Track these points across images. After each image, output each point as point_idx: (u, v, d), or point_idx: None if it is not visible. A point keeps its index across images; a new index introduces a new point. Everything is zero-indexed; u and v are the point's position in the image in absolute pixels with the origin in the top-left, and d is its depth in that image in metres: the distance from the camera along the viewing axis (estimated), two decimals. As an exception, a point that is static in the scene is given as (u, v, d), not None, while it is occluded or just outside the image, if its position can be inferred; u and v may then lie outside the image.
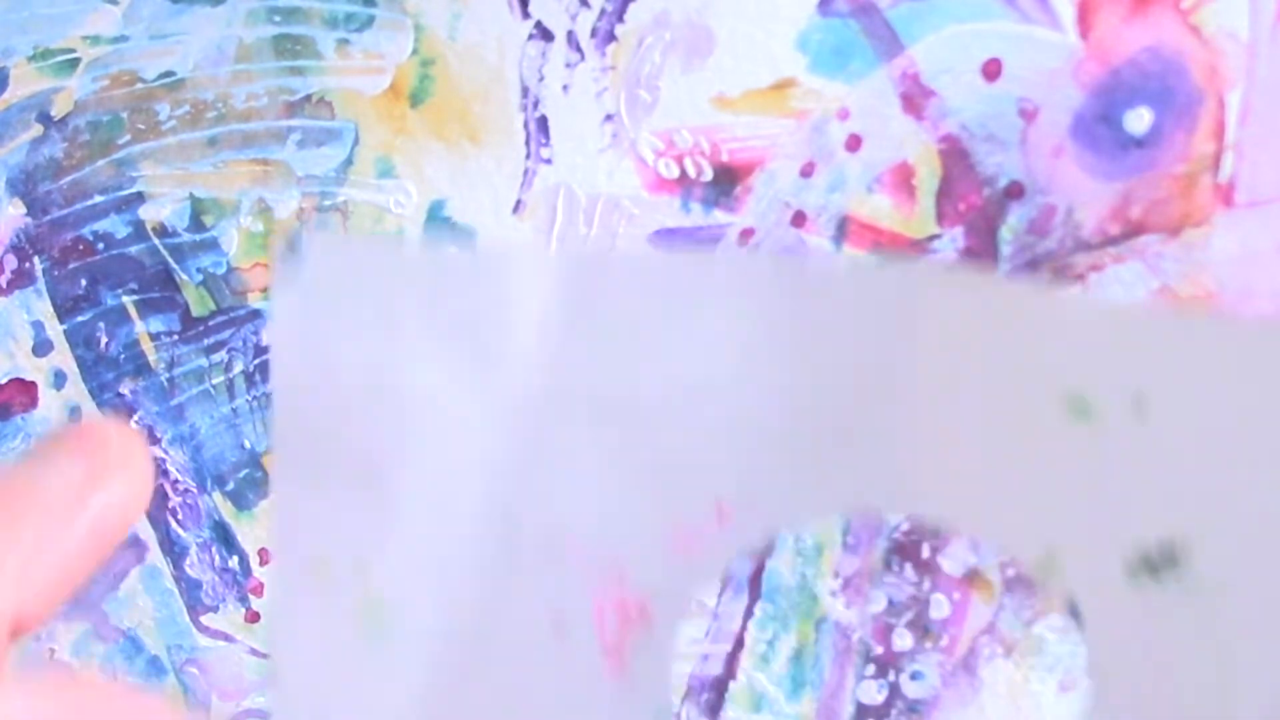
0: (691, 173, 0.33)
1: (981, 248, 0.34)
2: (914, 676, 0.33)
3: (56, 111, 0.33)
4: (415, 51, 0.32)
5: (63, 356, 0.34)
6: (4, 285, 0.33)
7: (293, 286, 0.28)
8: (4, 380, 0.34)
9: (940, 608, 0.33)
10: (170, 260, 0.33)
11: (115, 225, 0.33)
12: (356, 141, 0.33)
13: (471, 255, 0.29)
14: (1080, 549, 0.30)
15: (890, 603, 0.33)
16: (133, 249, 0.33)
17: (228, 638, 0.34)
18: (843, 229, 0.34)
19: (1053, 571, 0.30)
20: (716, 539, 0.30)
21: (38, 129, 0.33)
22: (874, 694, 0.34)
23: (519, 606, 0.29)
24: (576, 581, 0.30)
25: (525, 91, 0.33)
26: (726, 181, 0.33)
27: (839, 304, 0.29)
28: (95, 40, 0.33)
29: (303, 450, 0.28)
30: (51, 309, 0.33)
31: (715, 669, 0.35)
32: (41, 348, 0.33)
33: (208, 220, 0.33)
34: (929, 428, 0.30)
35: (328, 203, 0.33)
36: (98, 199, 0.33)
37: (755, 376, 0.29)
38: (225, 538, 0.34)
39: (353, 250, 0.28)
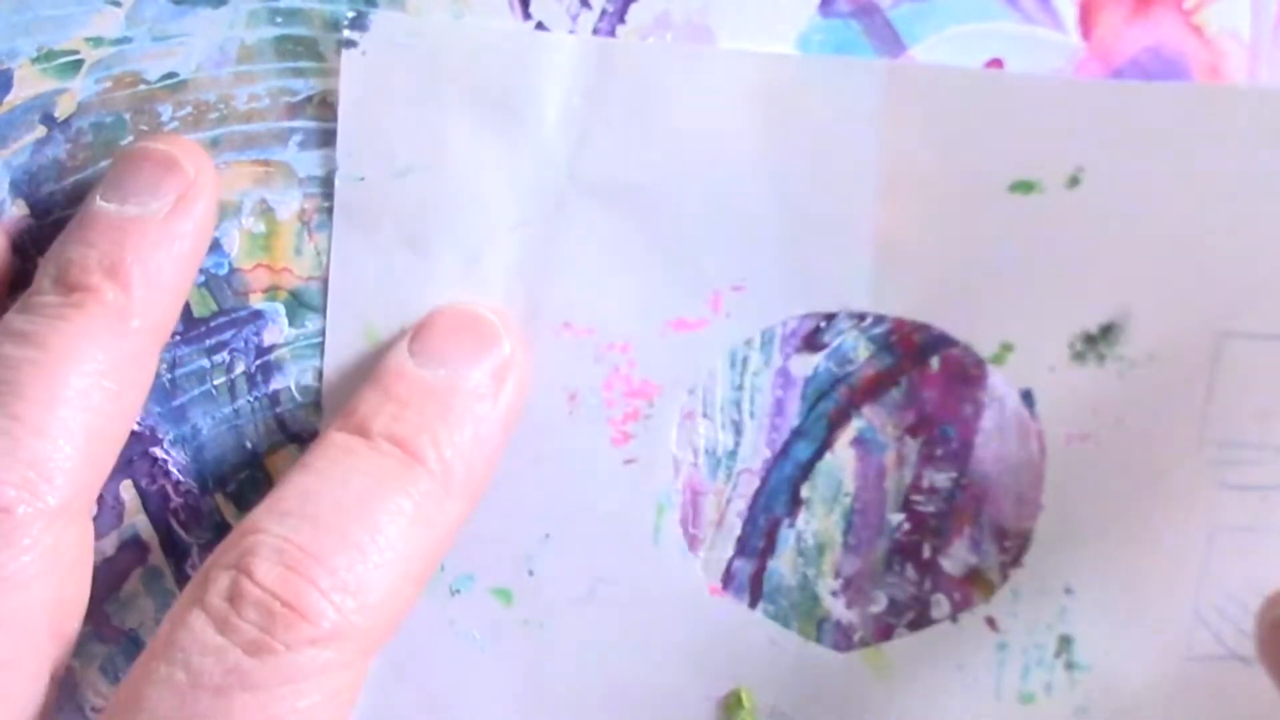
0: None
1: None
2: (915, 676, 0.33)
3: (60, 113, 0.33)
4: (414, 63, 0.33)
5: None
6: (8, 286, 0.33)
7: (359, 59, 0.31)
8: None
9: (941, 607, 0.33)
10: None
11: (117, 226, 0.33)
12: (357, 142, 0.33)
13: (510, 34, 0.31)
14: (1030, 337, 0.31)
15: (891, 602, 0.33)
16: (135, 249, 0.33)
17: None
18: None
19: (1006, 361, 0.31)
20: (712, 325, 0.32)
21: (41, 130, 0.33)
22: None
23: (536, 380, 0.31)
24: (589, 359, 0.31)
25: (528, 90, 0.33)
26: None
27: (818, 101, 0.31)
28: (98, 42, 0.33)
29: (359, 215, 0.32)
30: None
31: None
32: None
33: None
34: (898, 221, 0.32)
35: (329, 203, 0.33)
36: (101, 200, 0.33)
37: (749, 169, 0.31)
38: (227, 539, 0.34)
39: (412, 28, 0.31)
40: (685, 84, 0.32)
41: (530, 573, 0.33)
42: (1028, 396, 0.33)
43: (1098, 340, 0.33)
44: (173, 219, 0.31)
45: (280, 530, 0.28)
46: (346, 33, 0.32)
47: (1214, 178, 0.32)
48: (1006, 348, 0.33)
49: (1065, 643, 0.33)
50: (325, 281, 0.33)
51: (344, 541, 0.28)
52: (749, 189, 0.32)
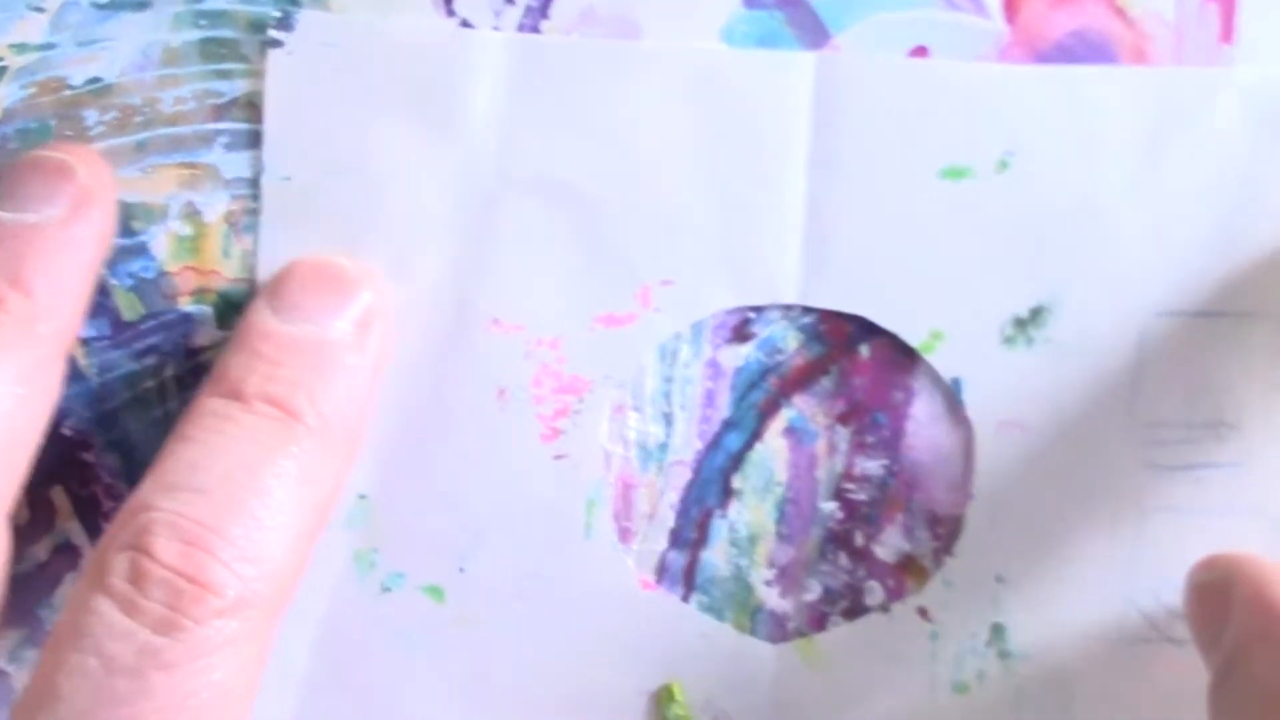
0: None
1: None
2: (849, 664, 0.33)
3: (-15, 120, 0.33)
4: (338, 62, 0.33)
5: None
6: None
7: (285, 59, 0.31)
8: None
9: (874, 594, 0.33)
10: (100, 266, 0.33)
11: (44, 231, 0.33)
12: (285, 144, 0.33)
13: (435, 33, 0.31)
14: (961, 324, 0.32)
15: (825, 591, 0.33)
16: (62, 255, 0.33)
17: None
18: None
19: (936, 350, 0.31)
20: (641, 320, 0.32)
21: (-34, 138, 0.33)
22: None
23: (466, 377, 0.31)
24: (518, 355, 0.31)
25: (450, 88, 0.33)
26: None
27: (747, 95, 0.31)
28: (22, 48, 0.33)
29: (288, 213, 0.31)
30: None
31: (653, 662, 0.35)
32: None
33: (136, 225, 0.33)
34: (828, 212, 0.32)
35: (256, 205, 0.33)
36: (27, 206, 0.33)
37: (678, 164, 0.31)
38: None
39: (338, 27, 0.31)
40: (613, 80, 0.32)
41: (461, 570, 0.33)
42: (957, 384, 0.33)
43: (1028, 324, 0.33)
44: (70, 225, 0.31)
45: (172, 505, 0.28)
46: (272, 33, 0.33)
47: (1140, 158, 0.32)
48: (936, 335, 0.33)
49: (998, 631, 0.33)
50: (254, 284, 0.33)
51: (237, 510, 0.29)
52: (678, 184, 0.33)
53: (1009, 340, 0.33)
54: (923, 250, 0.32)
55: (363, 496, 0.33)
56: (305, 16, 0.32)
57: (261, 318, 0.31)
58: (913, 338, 0.33)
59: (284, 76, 0.33)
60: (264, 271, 0.33)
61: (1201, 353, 0.32)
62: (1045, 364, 0.33)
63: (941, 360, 0.33)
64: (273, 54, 0.33)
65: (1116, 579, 0.33)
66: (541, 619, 0.33)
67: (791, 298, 0.33)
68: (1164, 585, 0.33)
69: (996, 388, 0.33)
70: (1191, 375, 0.32)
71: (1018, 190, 0.32)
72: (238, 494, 0.29)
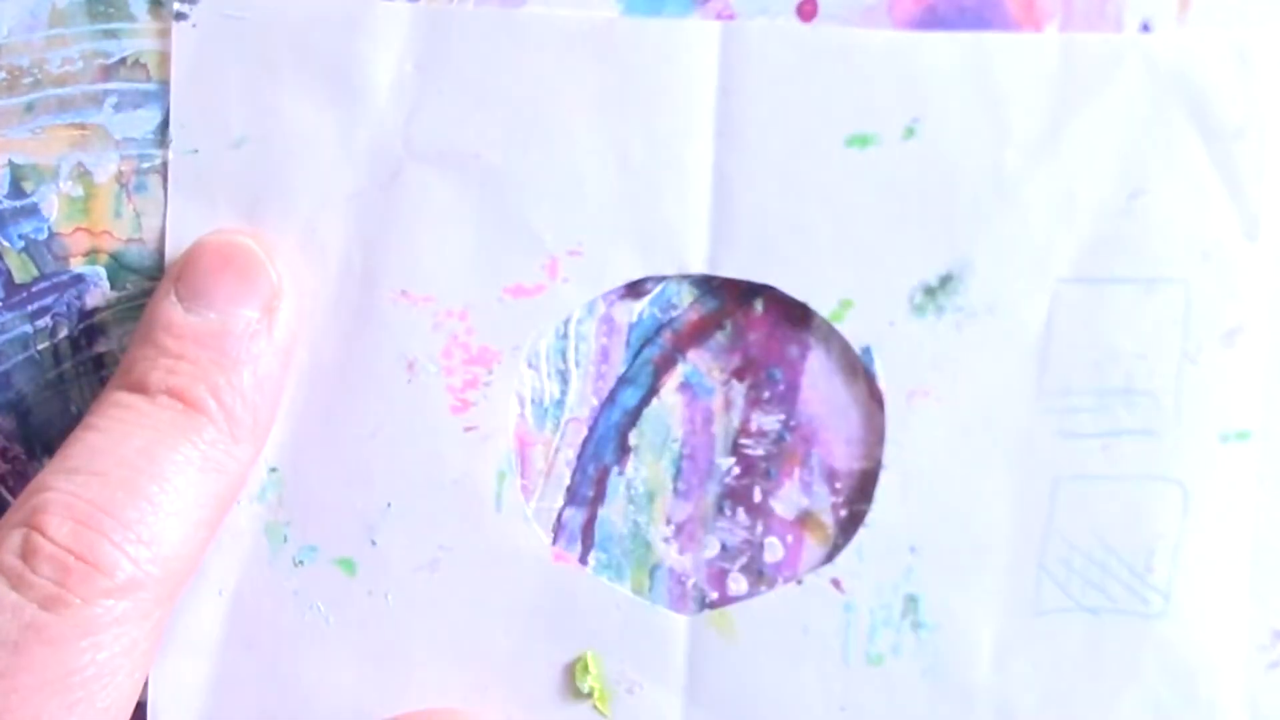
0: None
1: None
2: (751, 621, 0.33)
3: None
4: (227, 17, 0.33)
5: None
6: None
7: (190, 31, 0.32)
8: None
9: (774, 551, 0.33)
10: (-10, 228, 0.33)
11: (-66, 195, 0.33)
12: (173, 103, 0.33)
13: (340, 3, 0.31)
14: (870, 292, 0.31)
15: (724, 547, 0.33)
16: (-48, 218, 0.33)
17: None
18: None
19: (845, 319, 0.31)
20: (549, 291, 0.32)
21: None
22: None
23: (374, 349, 0.31)
24: (426, 327, 0.31)
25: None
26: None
27: (652, 64, 0.31)
28: (-92, 12, 0.33)
29: (194, 188, 0.32)
30: (-127, 281, 0.33)
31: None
32: None
33: (27, 186, 0.33)
34: (735, 181, 0.32)
35: (147, 165, 0.33)
36: (-85, 169, 0.33)
37: (583, 134, 0.31)
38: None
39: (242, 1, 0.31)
40: (517, 51, 0.32)
41: (373, 543, 0.33)
42: (868, 353, 0.33)
43: (937, 292, 0.32)
44: None
45: (69, 487, 0.29)
46: (177, 5, 0.32)
47: (1045, 124, 0.32)
48: (846, 304, 0.33)
49: (911, 602, 0.33)
50: (144, 243, 0.33)
51: (133, 494, 0.29)
52: (584, 154, 0.32)
53: (919, 308, 0.32)
54: (831, 219, 0.32)
55: (273, 469, 0.33)
56: (207, -8, 0.32)
57: (166, 307, 0.31)
58: (822, 306, 0.33)
59: (189, 48, 0.33)
60: (172, 246, 0.33)
61: (1110, 319, 0.32)
62: (955, 332, 0.32)
63: (851, 329, 0.33)
64: (178, 26, 0.33)
65: (1029, 549, 0.33)
66: (454, 591, 0.33)
67: (699, 267, 0.33)
68: (1076, 554, 0.33)
69: (907, 356, 0.33)
70: (1101, 342, 0.32)
71: (924, 158, 0.32)
72: (135, 479, 0.29)
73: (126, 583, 0.28)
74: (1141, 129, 0.32)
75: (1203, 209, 0.32)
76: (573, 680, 0.33)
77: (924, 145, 0.32)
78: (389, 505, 0.33)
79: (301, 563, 0.33)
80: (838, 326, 0.33)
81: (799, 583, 0.33)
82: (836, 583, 0.33)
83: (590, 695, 0.33)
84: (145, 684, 0.32)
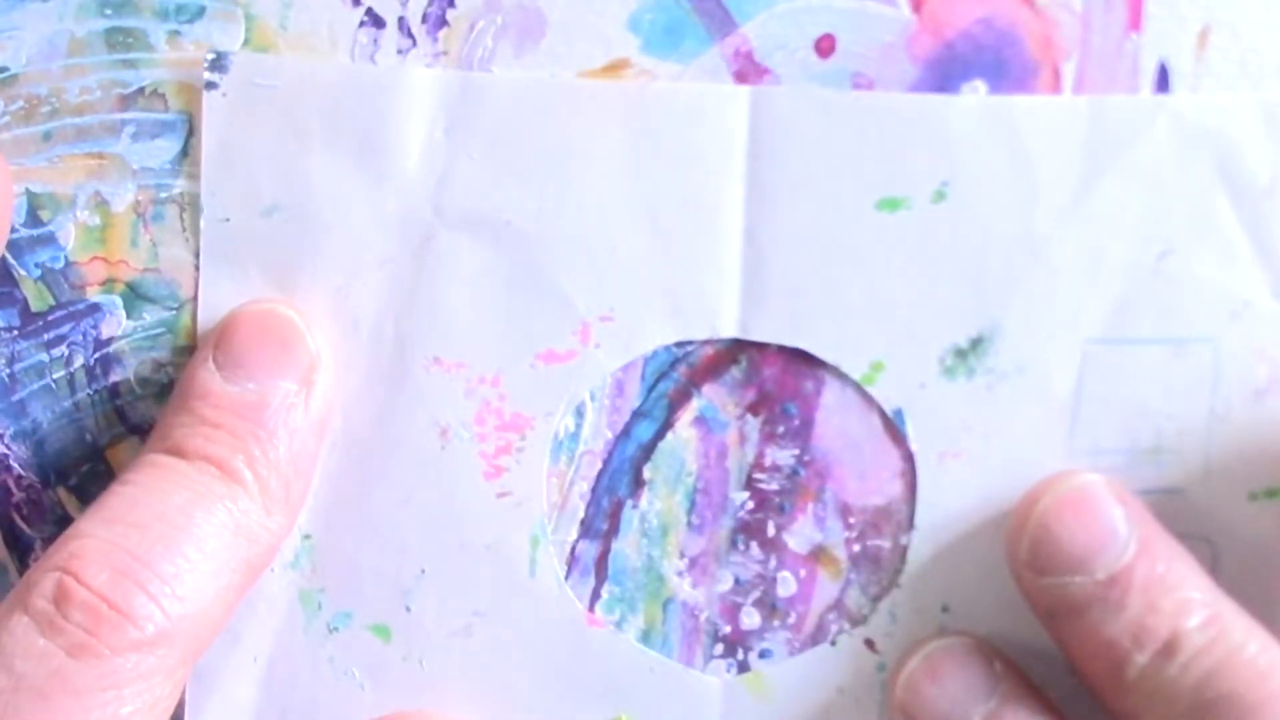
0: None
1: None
2: (762, 655, 0.34)
3: (-112, 111, 0.33)
4: (247, 41, 0.33)
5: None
6: None
7: (219, 100, 0.32)
8: None
9: (787, 585, 0.33)
10: (8, 256, 0.33)
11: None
12: (191, 133, 0.33)
13: (368, 70, 0.31)
14: (901, 355, 0.32)
15: (737, 581, 0.33)
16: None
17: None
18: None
19: (877, 381, 0.31)
20: (581, 356, 0.32)
21: None
22: (723, 673, 0.33)
23: (407, 416, 0.31)
24: (459, 394, 0.31)
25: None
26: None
27: (682, 129, 0.31)
28: (-75, 38, 0.33)
29: (226, 256, 0.32)
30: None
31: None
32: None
33: (44, 215, 0.33)
34: (765, 245, 0.32)
35: (164, 195, 0.33)
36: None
37: (614, 199, 0.31)
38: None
39: (271, 67, 0.31)
40: (546, 115, 0.32)
41: (408, 609, 0.33)
42: (899, 415, 0.33)
43: (967, 354, 0.33)
44: None
45: (107, 535, 0.29)
46: (206, 75, 0.33)
47: (1074, 185, 0.32)
48: (877, 367, 0.33)
49: (945, 660, 0.33)
50: (161, 272, 0.33)
51: (170, 548, 0.29)
52: (614, 219, 0.33)
53: (949, 371, 0.33)
54: (861, 282, 0.32)
55: (307, 536, 0.33)
56: (238, 58, 0.32)
57: (203, 376, 0.31)
58: (854, 369, 0.33)
59: (220, 117, 0.33)
60: (204, 314, 0.33)
61: (1140, 379, 0.32)
62: (986, 393, 0.33)
63: (882, 391, 0.33)
64: (208, 95, 0.33)
65: (1061, 607, 0.33)
66: (488, 656, 0.33)
67: (731, 331, 0.33)
68: (1108, 612, 0.33)
69: (938, 418, 0.33)
70: (1130, 402, 0.32)
71: (954, 220, 0.32)
72: (173, 534, 0.29)
73: (156, 636, 0.28)
74: (1169, 189, 0.32)
75: (1231, 268, 0.32)
76: (608, 744, 0.34)
77: (953, 208, 0.32)
78: (423, 571, 0.33)
79: (336, 629, 0.34)
80: (869, 389, 0.33)
81: (832, 643, 0.33)
82: (870, 643, 0.33)
83: (625, 758, 0.33)
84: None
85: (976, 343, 0.33)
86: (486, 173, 0.33)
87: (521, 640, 0.33)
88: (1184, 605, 0.30)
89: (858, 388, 0.33)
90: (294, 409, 0.31)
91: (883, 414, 0.33)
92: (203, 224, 0.33)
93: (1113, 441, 0.32)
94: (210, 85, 0.33)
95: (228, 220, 0.33)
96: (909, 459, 0.33)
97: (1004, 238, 0.32)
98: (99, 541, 0.29)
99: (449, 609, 0.33)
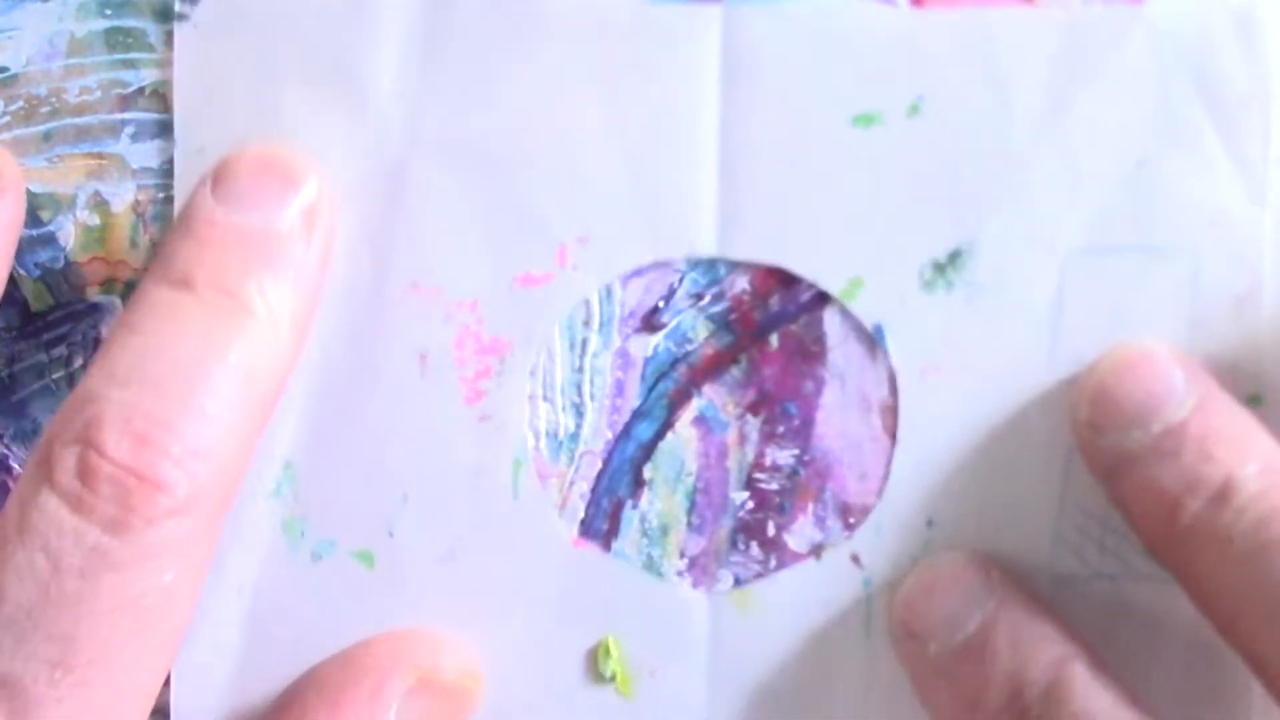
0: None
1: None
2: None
3: (-109, 114, 0.33)
4: (247, 42, 0.33)
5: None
6: None
7: (191, 32, 0.32)
8: None
9: None
10: (7, 255, 0.33)
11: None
12: (190, 133, 0.33)
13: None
14: (880, 269, 0.32)
15: (737, 581, 0.33)
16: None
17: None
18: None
19: (856, 297, 0.32)
20: (559, 279, 0.32)
21: None
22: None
23: (386, 342, 0.31)
24: (437, 319, 0.32)
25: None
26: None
27: (656, 48, 0.31)
28: (-75, 38, 0.33)
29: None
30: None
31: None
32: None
33: (44, 215, 0.33)
34: (742, 162, 0.32)
35: (163, 195, 0.33)
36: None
37: (588, 120, 0.31)
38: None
39: None
40: (518, 39, 0.32)
41: (391, 534, 0.33)
42: (879, 330, 0.33)
43: (946, 268, 0.33)
44: None
45: (122, 397, 0.28)
46: (178, 6, 0.32)
47: (1051, 97, 0.32)
48: (856, 283, 0.33)
49: (930, 574, 0.33)
50: None
51: (188, 405, 0.28)
52: (590, 140, 0.32)
53: (928, 284, 0.33)
54: (838, 198, 0.32)
55: (289, 464, 0.33)
56: (210, -12, 0.32)
57: (207, 206, 0.30)
58: (832, 285, 0.33)
59: (192, 50, 0.33)
60: None
61: (1119, 289, 0.32)
62: (965, 307, 0.33)
63: (862, 307, 0.33)
64: (179, 27, 0.33)
65: (1045, 517, 0.33)
66: (473, 580, 0.33)
67: (709, 250, 0.33)
68: (1091, 521, 0.33)
69: (918, 333, 0.33)
70: (1110, 313, 0.32)
71: (930, 135, 0.32)
72: (188, 388, 0.28)
73: (187, 500, 0.27)
74: (1145, 98, 0.32)
75: (1208, 177, 0.32)
76: (594, 665, 0.34)
77: (929, 122, 0.32)
78: (405, 497, 0.33)
79: (320, 557, 0.34)
80: (849, 305, 0.33)
81: (818, 559, 0.34)
82: (855, 558, 0.33)
83: (612, 679, 0.33)
84: (166, 684, 0.32)
85: (955, 256, 0.32)
86: (460, 98, 0.32)
87: (506, 563, 0.33)
88: (1240, 454, 0.29)
89: (859, 384, 0.33)
90: (298, 242, 0.30)
91: (883, 414, 0.33)
92: (176, 154, 0.33)
93: (1094, 352, 0.32)
94: (181, 17, 0.33)
95: (201, 150, 0.33)
96: (892, 433, 0.33)
97: (980, 150, 0.32)
98: (115, 405, 0.28)
99: (432, 534, 0.33)
